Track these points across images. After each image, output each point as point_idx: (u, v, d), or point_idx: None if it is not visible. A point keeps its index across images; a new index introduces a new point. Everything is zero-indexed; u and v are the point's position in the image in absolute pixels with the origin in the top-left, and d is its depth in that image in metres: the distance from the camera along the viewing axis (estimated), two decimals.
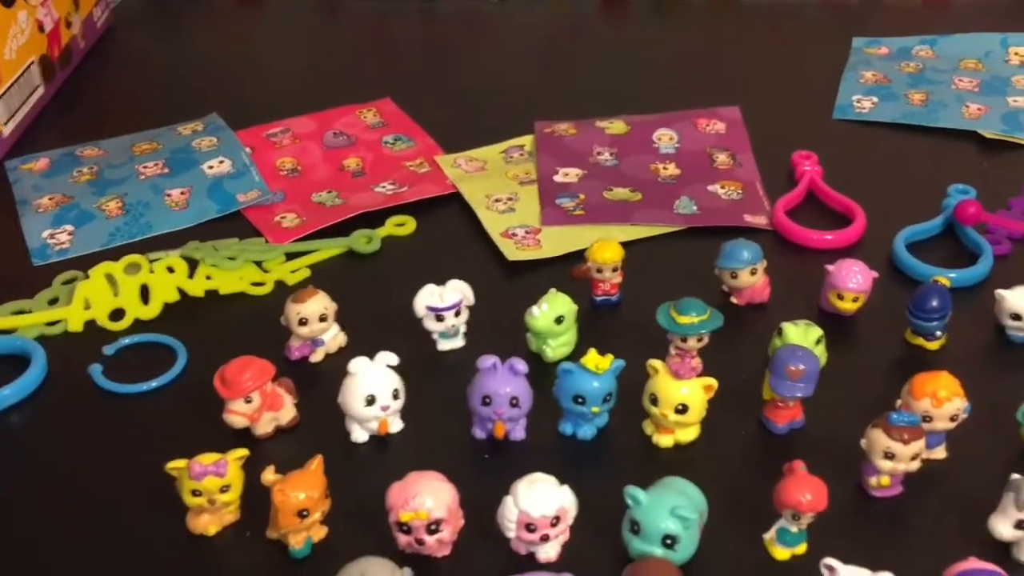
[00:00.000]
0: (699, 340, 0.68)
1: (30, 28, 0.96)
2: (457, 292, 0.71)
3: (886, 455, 0.58)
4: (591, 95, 1.02)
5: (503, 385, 0.63)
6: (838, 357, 0.69)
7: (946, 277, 0.73)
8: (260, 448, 0.64)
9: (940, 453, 0.63)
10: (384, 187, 0.88)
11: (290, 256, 0.80)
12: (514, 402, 0.63)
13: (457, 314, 0.71)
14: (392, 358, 0.65)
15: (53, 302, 0.76)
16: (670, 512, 0.55)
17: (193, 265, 0.77)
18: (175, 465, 0.58)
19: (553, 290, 0.70)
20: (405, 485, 0.56)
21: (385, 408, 0.64)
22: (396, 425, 0.66)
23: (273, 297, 0.77)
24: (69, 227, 0.84)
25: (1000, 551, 0.57)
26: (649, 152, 0.92)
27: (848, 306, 0.72)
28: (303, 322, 0.69)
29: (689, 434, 0.64)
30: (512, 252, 0.81)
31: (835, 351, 0.69)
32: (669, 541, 0.55)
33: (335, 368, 0.67)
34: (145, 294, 0.75)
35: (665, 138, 0.94)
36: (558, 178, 0.89)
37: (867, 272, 0.72)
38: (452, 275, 0.72)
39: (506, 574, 0.56)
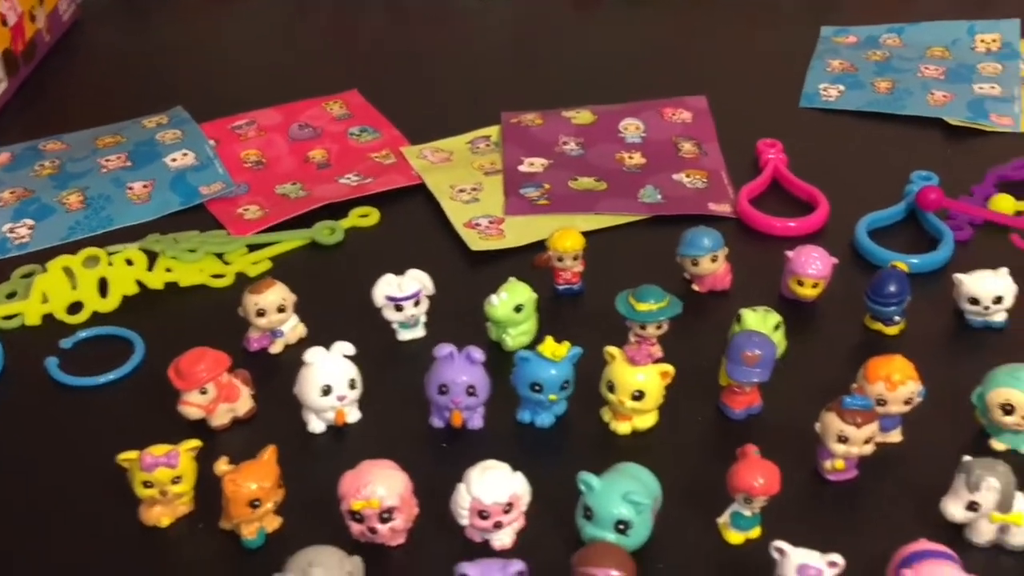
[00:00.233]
0: (658, 327, 0.68)
1: None
2: (416, 282, 0.70)
3: (840, 438, 0.58)
4: (559, 85, 1.02)
5: (460, 374, 0.63)
6: (798, 343, 0.69)
7: (906, 263, 0.73)
8: (217, 439, 0.64)
9: (896, 437, 0.63)
10: (349, 178, 0.88)
11: (252, 248, 0.80)
12: (471, 391, 0.63)
13: (416, 304, 0.71)
14: (348, 348, 0.64)
15: (11, 296, 0.75)
16: (622, 497, 0.55)
17: (153, 258, 0.77)
18: (126, 457, 0.57)
19: (512, 279, 0.70)
20: (357, 474, 0.56)
21: (341, 398, 0.64)
22: (354, 415, 0.65)
23: (234, 289, 0.76)
24: (30, 221, 0.83)
25: (953, 533, 0.57)
26: (615, 142, 0.92)
27: (808, 292, 0.72)
28: (261, 313, 0.69)
29: (647, 421, 0.64)
30: (475, 242, 0.80)
31: (795, 337, 0.69)
32: (622, 526, 0.55)
33: (294, 359, 0.67)
34: (104, 287, 0.75)
35: (631, 127, 0.94)
36: (523, 168, 0.89)
37: (827, 258, 0.72)
38: (415, 266, 0.72)
39: (459, 562, 0.55)
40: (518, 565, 0.51)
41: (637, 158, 0.90)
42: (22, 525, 0.60)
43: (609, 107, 0.96)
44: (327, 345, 0.64)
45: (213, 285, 0.77)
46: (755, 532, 0.57)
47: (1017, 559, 0.57)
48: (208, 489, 0.58)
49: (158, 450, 0.57)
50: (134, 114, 0.96)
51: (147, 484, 0.57)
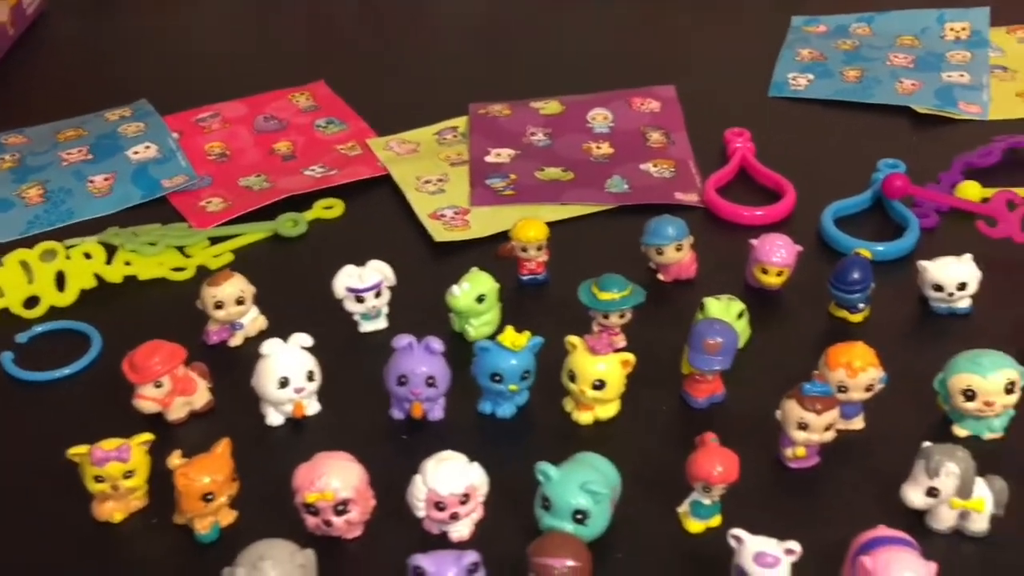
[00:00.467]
0: (621, 316, 0.67)
1: None
2: (377, 272, 0.70)
3: (800, 425, 0.58)
4: (528, 76, 1.01)
5: (419, 364, 0.62)
6: (763, 331, 0.69)
7: (871, 250, 0.73)
8: (173, 433, 0.63)
9: (858, 423, 0.62)
10: (314, 170, 0.87)
11: (214, 241, 0.79)
12: (431, 382, 0.62)
13: (378, 295, 0.70)
14: (306, 339, 0.64)
15: None
16: (580, 487, 0.54)
17: (112, 251, 0.76)
18: (76, 451, 0.56)
19: (474, 269, 0.69)
20: (312, 466, 0.55)
21: (299, 390, 0.63)
22: (313, 407, 0.65)
23: (194, 282, 0.75)
24: None
25: (914, 519, 0.56)
26: (583, 132, 0.91)
27: (773, 280, 0.71)
28: (219, 305, 0.68)
29: (609, 410, 0.64)
30: (440, 233, 0.80)
31: (760, 325, 0.69)
32: (580, 516, 0.54)
33: (254, 352, 0.66)
34: (61, 281, 0.74)
35: (599, 117, 0.93)
36: (490, 159, 0.88)
37: (791, 246, 0.71)
38: (379, 257, 0.71)
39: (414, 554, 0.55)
40: (472, 556, 0.50)
41: (605, 148, 0.89)
42: None
43: (578, 97, 0.96)
44: (287, 337, 0.64)
45: (173, 278, 0.76)
46: (715, 520, 0.57)
47: (978, 545, 0.56)
48: (163, 484, 0.57)
49: (109, 444, 0.56)
50: (99, 107, 0.95)
51: (98, 479, 0.56)
